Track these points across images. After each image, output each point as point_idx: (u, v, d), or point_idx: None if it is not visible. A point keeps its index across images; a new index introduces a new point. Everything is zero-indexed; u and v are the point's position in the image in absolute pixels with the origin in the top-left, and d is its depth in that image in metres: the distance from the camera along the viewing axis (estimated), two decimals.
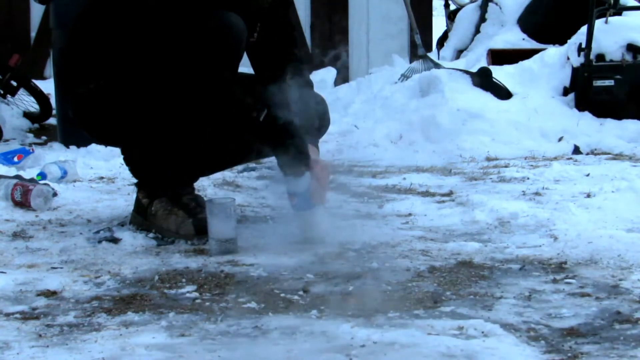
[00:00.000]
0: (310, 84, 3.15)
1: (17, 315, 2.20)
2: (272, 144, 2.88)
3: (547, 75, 5.98)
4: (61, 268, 2.64)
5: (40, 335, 2.04)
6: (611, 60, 5.76)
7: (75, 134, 4.94)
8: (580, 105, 5.70)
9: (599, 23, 5.78)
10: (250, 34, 2.98)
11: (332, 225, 3.03)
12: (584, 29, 5.81)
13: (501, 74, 5.96)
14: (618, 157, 4.95)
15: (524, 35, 7.25)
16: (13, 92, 6.34)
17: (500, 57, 6.71)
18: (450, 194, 3.84)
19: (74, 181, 4.10)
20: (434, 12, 10.11)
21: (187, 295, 2.36)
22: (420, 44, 7.36)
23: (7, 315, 2.20)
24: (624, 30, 5.84)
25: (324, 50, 9.32)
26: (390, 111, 6.01)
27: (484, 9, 7.80)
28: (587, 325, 2.09)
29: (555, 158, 4.93)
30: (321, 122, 3.13)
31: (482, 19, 7.79)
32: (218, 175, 3.99)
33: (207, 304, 2.28)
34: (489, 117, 5.52)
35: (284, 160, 2.87)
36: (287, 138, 2.86)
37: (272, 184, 4.02)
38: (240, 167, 4.32)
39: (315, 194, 2.89)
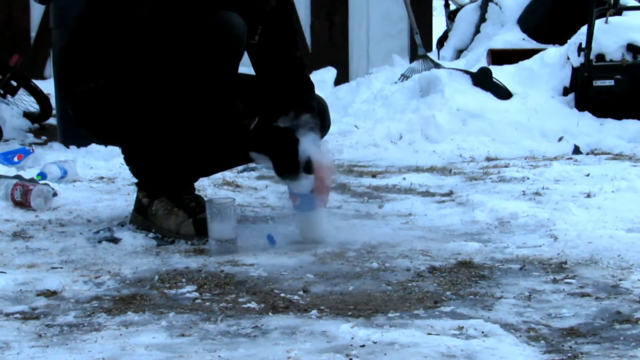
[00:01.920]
0: (311, 87, 3.15)
1: (17, 315, 2.20)
2: (264, 151, 2.87)
3: (547, 75, 5.99)
4: (61, 268, 2.64)
5: (40, 335, 2.04)
6: (611, 60, 5.76)
7: (75, 134, 4.94)
8: (580, 105, 5.71)
9: (599, 23, 5.79)
10: (251, 36, 2.98)
11: (332, 226, 3.03)
12: (584, 29, 5.82)
13: (501, 74, 5.97)
14: (618, 157, 4.96)
15: (524, 35, 7.26)
16: (13, 92, 6.34)
17: (500, 57, 6.72)
18: (450, 194, 3.84)
19: (74, 181, 4.10)
20: (434, 12, 10.13)
21: (187, 295, 2.36)
22: (420, 44, 7.37)
23: (7, 315, 2.20)
24: (624, 30, 5.84)
25: (324, 50, 9.32)
26: (390, 111, 6.02)
27: (484, 9, 7.82)
28: (587, 325, 2.09)
29: (555, 158, 4.93)
30: (322, 124, 3.13)
31: (482, 19, 7.80)
32: (218, 175, 3.99)
33: (207, 304, 2.28)
34: (489, 117, 5.53)
35: (276, 166, 2.87)
36: (279, 145, 2.85)
37: (272, 184, 4.03)
38: (240, 167, 4.32)
39: (318, 196, 2.89)
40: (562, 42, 6.26)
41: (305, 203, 2.90)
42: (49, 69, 8.30)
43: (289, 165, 2.85)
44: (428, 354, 1.86)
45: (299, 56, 3.18)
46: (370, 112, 6.22)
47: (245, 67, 3.07)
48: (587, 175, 4.19)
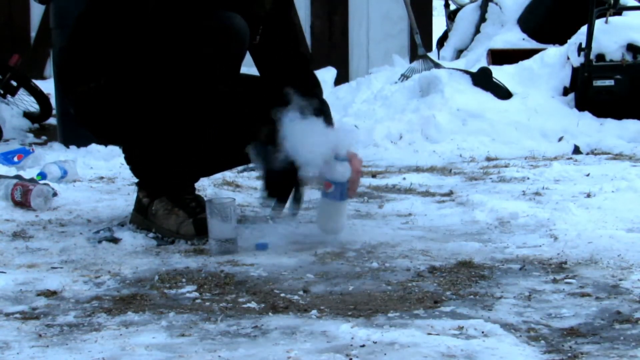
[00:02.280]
0: (317, 82, 3.15)
1: (17, 315, 2.20)
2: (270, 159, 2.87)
3: (547, 75, 5.99)
4: (61, 268, 2.64)
5: (40, 335, 2.04)
6: (611, 60, 5.76)
7: (75, 134, 4.95)
8: (580, 105, 5.71)
9: (599, 23, 5.79)
10: (252, 36, 2.98)
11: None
12: (584, 29, 5.82)
13: (501, 74, 5.97)
14: (618, 157, 4.96)
15: (524, 35, 7.26)
16: (13, 92, 6.34)
17: (500, 57, 6.72)
18: (450, 194, 3.84)
19: (74, 181, 4.10)
20: (434, 12, 10.13)
21: (187, 295, 2.36)
22: (420, 43, 7.36)
23: (7, 315, 2.20)
24: (624, 30, 5.85)
25: (324, 50, 9.32)
26: (390, 111, 6.02)
27: (484, 9, 7.81)
28: (587, 325, 2.09)
29: (555, 158, 4.94)
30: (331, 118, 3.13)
31: (482, 19, 7.80)
32: (218, 175, 3.99)
33: (207, 304, 2.28)
34: (489, 117, 5.53)
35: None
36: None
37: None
38: (240, 167, 4.32)
39: (353, 186, 2.88)
40: (562, 42, 6.26)
41: (340, 192, 2.87)
42: (49, 69, 8.30)
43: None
44: (428, 354, 1.86)
45: (302, 52, 3.18)
46: (370, 112, 6.22)
47: (247, 67, 3.07)
48: (587, 175, 4.19)
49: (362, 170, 2.97)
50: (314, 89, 3.08)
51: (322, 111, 2.97)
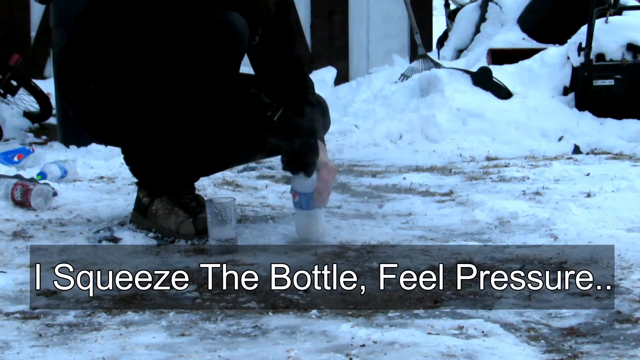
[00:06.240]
0: (311, 84, 3.16)
1: (17, 315, 2.20)
2: (285, 142, 2.87)
3: (547, 75, 5.99)
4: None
5: (40, 335, 2.04)
6: (611, 60, 5.76)
7: (75, 133, 4.94)
8: (580, 105, 5.71)
9: (599, 23, 5.79)
10: (252, 37, 2.99)
11: (331, 225, 3.03)
12: (584, 28, 5.82)
13: (501, 73, 5.97)
14: (618, 156, 4.96)
15: (524, 35, 7.26)
16: (13, 91, 6.34)
17: (500, 56, 6.72)
18: (450, 193, 3.84)
19: (74, 181, 4.10)
20: (434, 12, 10.13)
21: (187, 295, 2.36)
22: (420, 43, 7.36)
23: (7, 315, 2.20)
24: (624, 29, 5.85)
25: (324, 50, 9.32)
26: (390, 111, 6.02)
27: (484, 8, 7.81)
28: (587, 325, 2.09)
29: (555, 158, 4.93)
30: (322, 124, 3.13)
31: (482, 19, 7.80)
32: (218, 175, 3.98)
33: (207, 303, 2.28)
34: (489, 117, 5.53)
35: (294, 158, 2.87)
36: (300, 137, 2.85)
37: (272, 184, 4.03)
38: (240, 167, 4.32)
39: (319, 196, 2.89)
40: (562, 42, 6.26)
41: (305, 202, 2.90)
42: (49, 68, 8.29)
43: (304, 164, 2.85)
44: (428, 353, 1.86)
45: (298, 55, 3.19)
46: (370, 112, 6.22)
47: (246, 67, 3.07)
48: (587, 175, 4.19)
49: (334, 181, 2.98)
50: (306, 92, 3.08)
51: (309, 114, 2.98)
